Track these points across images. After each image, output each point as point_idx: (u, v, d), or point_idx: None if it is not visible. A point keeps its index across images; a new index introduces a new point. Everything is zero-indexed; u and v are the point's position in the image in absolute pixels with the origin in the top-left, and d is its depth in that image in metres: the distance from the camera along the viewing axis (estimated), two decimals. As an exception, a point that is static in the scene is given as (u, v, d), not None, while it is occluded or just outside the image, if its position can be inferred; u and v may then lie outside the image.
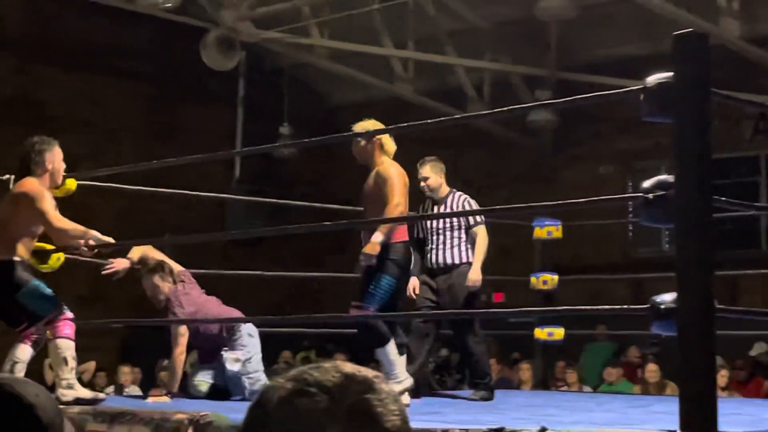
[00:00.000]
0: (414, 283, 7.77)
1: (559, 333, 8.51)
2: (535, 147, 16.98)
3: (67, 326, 6.33)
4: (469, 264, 7.73)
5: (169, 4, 13.49)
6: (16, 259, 6.30)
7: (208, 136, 16.68)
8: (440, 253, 7.76)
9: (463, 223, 7.80)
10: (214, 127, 17.38)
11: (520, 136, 16.74)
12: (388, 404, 1.34)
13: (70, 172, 7.01)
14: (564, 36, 15.13)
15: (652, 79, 4.03)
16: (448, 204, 7.85)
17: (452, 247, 7.75)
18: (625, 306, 4.62)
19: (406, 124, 5.71)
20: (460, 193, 7.97)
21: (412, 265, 7.18)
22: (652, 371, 11.99)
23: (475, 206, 7.94)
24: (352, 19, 15.36)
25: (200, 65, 15.20)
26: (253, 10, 15.09)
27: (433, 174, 7.91)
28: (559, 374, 12.52)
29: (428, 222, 7.84)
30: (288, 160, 17.76)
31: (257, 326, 7.66)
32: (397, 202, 6.57)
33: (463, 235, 7.79)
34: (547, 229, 8.67)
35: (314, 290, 17.47)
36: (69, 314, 6.37)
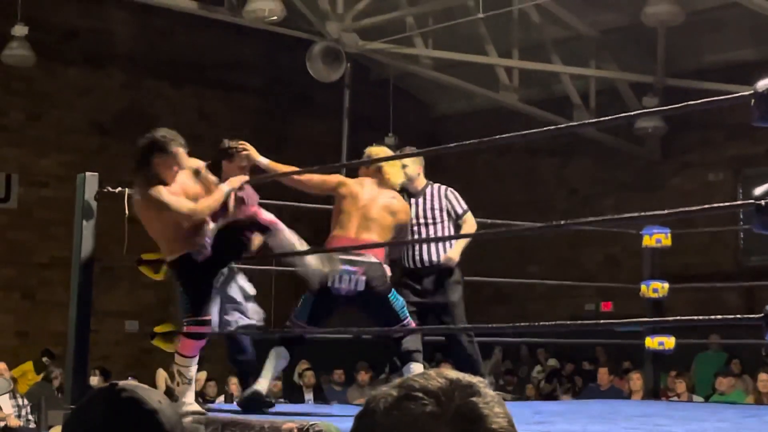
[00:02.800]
0: None
1: (669, 342, 8.37)
2: (643, 154, 16.82)
3: (185, 341, 6.23)
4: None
5: (275, 17, 13.63)
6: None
7: (315, 147, 16.82)
8: (425, 251, 7.35)
9: (450, 216, 7.41)
10: (321, 138, 17.52)
11: (627, 143, 16.59)
12: (493, 407, 1.34)
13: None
14: (671, 42, 14.95)
15: (763, 83, 3.97)
16: (428, 196, 7.44)
17: (437, 243, 7.36)
18: (739, 315, 4.55)
19: (512, 134, 5.66)
20: (439, 184, 7.56)
21: None
22: (765, 381, 11.77)
23: (459, 197, 7.50)
24: (456, 29, 15.41)
25: (307, 77, 15.31)
26: (357, 21, 15.20)
27: (411, 163, 7.39)
28: (671, 384, 12.37)
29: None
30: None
31: (372, 337, 7.47)
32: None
33: (451, 229, 7.41)
34: (656, 237, 8.53)
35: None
36: (199, 329, 6.22)
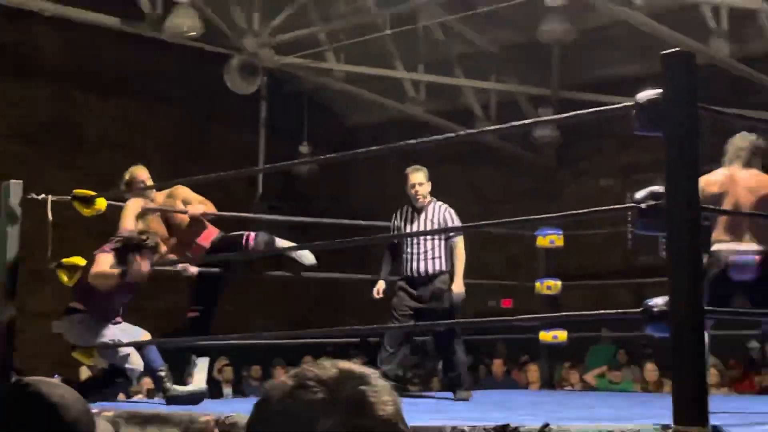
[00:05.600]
0: (379, 286, 7.78)
1: (562, 335, 8.51)
2: (541, 163, 17.01)
3: None
4: (447, 273, 7.65)
5: (194, 33, 13.56)
6: None
7: (233, 155, 16.76)
8: (421, 262, 7.63)
9: (443, 235, 7.69)
10: (239, 147, 17.46)
11: (527, 152, 16.77)
12: (382, 395, 1.36)
13: (103, 191, 7.05)
14: (565, 57, 15.16)
15: (643, 95, 4.04)
16: (429, 212, 7.72)
17: (433, 258, 7.62)
18: (620, 310, 4.62)
19: (414, 141, 5.67)
20: (440, 203, 7.83)
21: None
22: (651, 370, 12.00)
23: (455, 217, 7.79)
24: (366, 44, 15.42)
25: (225, 89, 15.27)
26: (273, 36, 15.13)
27: (426, 181, 7.78)
28: (565, 375, 12.53)
29: (407, 230, 7.74)
30: (307, 178, 17.80)
31: (281, 339, 7.67)
32: None
33: (443, 245, 7.67)
34: (549, 238, 8.67)
35: (335, 300, 17.52)
36: None
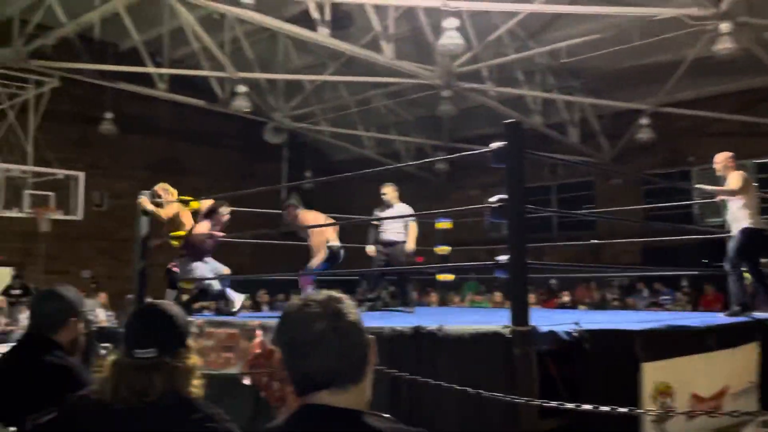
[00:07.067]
0: (371, 249, 7.60)
1: (450, 276, 8.53)
2: (439, 182, 17.01)
3: None
4: (404, 242, 7.40)
5: (247, 109, 13.49)
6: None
7: (269, 178, 16.60)
8: (389, 235, 7.37)
9: (402, 220, 7.45)
10: (272, 173, 17.32)
11: (432, 176, 16.78)
12: (351, 309, 1.35)
13: (196, 198, 6.87)
14: (452, 123, 15.18)
15: (494, 144, 4.06)
16: (395, 208, 7.43)
17: (397, 233, 7.35)
18: (482, 262, 4.63)
19: (368, 170, 5.65)
20: (402, 203, 7.59)
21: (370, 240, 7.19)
22: (498, 296, 12.01)
23: (407, 209, 7.62)
24: (342, 116, 15.42)
25: (264, 141, 15.16)
26: (291, 112, 15.11)
27: (391, 192, 7.53)
28: (450, 298, 12.51)
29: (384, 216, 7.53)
30: (310, 190, 17.69)
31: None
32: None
33: (401, 225, 7.46)
34: (443, 224, 8.68)
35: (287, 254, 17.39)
36: None
